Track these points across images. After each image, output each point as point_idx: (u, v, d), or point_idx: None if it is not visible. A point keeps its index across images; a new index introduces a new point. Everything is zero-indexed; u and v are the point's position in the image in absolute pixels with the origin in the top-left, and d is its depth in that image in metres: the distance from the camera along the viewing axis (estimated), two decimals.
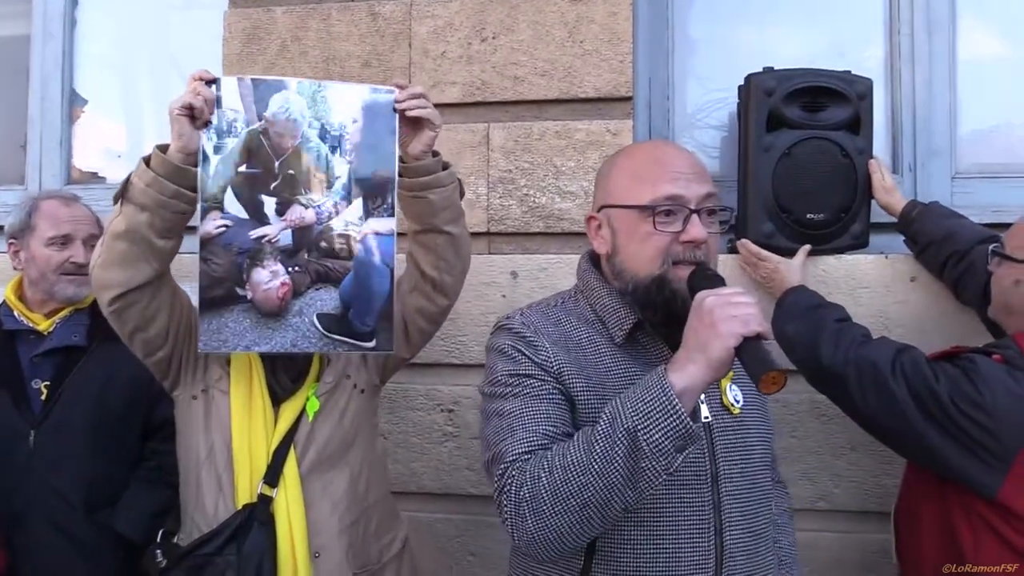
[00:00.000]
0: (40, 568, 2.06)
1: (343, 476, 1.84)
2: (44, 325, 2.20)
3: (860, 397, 1.83)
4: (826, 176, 2.20)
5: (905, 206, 2.18)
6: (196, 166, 1.65)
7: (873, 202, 2.26)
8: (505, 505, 1.32)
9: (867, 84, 2.23)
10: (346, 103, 1.70)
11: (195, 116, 1.63)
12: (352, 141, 1.70)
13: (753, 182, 2.23)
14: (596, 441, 1.25)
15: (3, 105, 2.99)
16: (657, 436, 1.20)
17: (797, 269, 2.17)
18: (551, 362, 1.43)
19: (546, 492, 1.27)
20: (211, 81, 1.66)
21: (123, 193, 1.67)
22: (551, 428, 1.36)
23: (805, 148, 2.20)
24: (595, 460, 1.24)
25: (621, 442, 1.22)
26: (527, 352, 1.44)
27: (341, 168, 1.70)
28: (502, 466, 1.35)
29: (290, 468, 1.79)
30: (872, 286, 2.26)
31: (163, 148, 1.66)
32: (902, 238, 2.23)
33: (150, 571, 1.84)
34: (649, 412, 1.21)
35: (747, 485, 1.45)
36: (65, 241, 2.19)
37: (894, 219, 2.22)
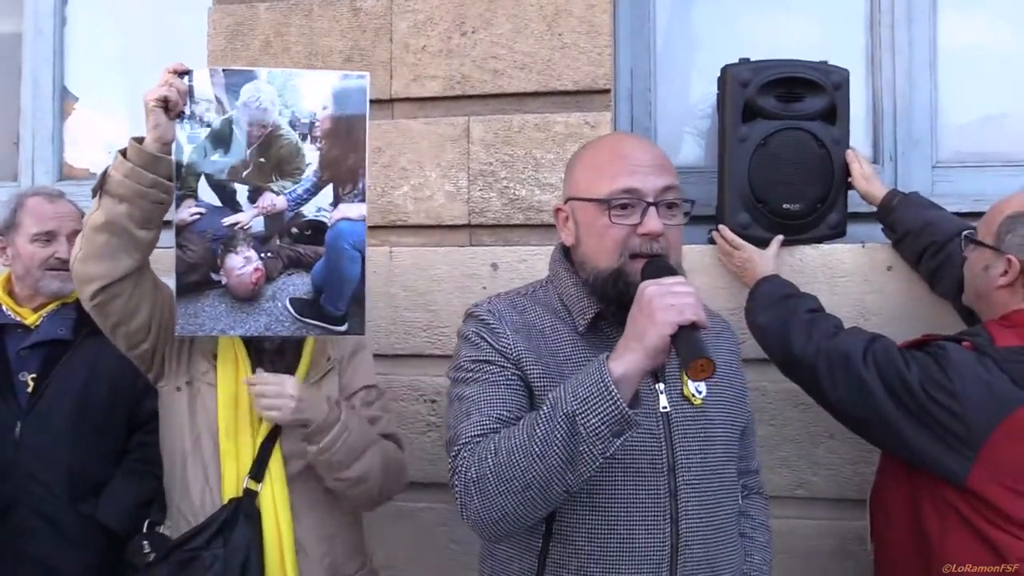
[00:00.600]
0: (26, 555, 2.10)
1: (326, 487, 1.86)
2: (31, 319, 2.24)
3: (831, 386, 1.84)
4: (802, 166, 2.21)
5: (885, 195, 2.18)
6: (171, 155, 1.69)
7: (851, 192, 2.27)
8: (455, 485, 1.37)
9: (843, 74, 2.23)
10: (316, 90, 1.73)
11: (169, 107, 1.67)
12: (322, 128, 1.74)
13: (729, 173, 2.24)
14: (538, 425, 1.29)
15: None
16: (594, 421, 1.23)
17: (771, 259, 2.18)
18: (511, 349, 1.47)
19: (491, 473, 1.31)
20: (184, 73, 1.70)
21: (101, 186, 1.70)
22: (505, 412, 1.40)
23: (780, 139, 2.21)
24: (536, 443, 1.27)
25: (560, 426, 1.25)
26: (489, 339, 1.49)
27: (311, 155, 1.74)
28: (455, 448, 1.40)
29: (276, 462, 1.82)
30: (849, 275, 2.27)
31: (139, 140, 1.69)
32: (880, 228, 2.24)
33: (135, 562, 1.86)
34: (587, 397, 1.24)
35: (707, 475, 1.47)
36: (49, 237, 2.23)
37: (872, 209, 2.23)
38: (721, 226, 2.26)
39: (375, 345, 2.40)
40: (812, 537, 2.27)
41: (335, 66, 2.49)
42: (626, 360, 1.26)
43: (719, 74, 2.30)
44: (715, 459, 1.49)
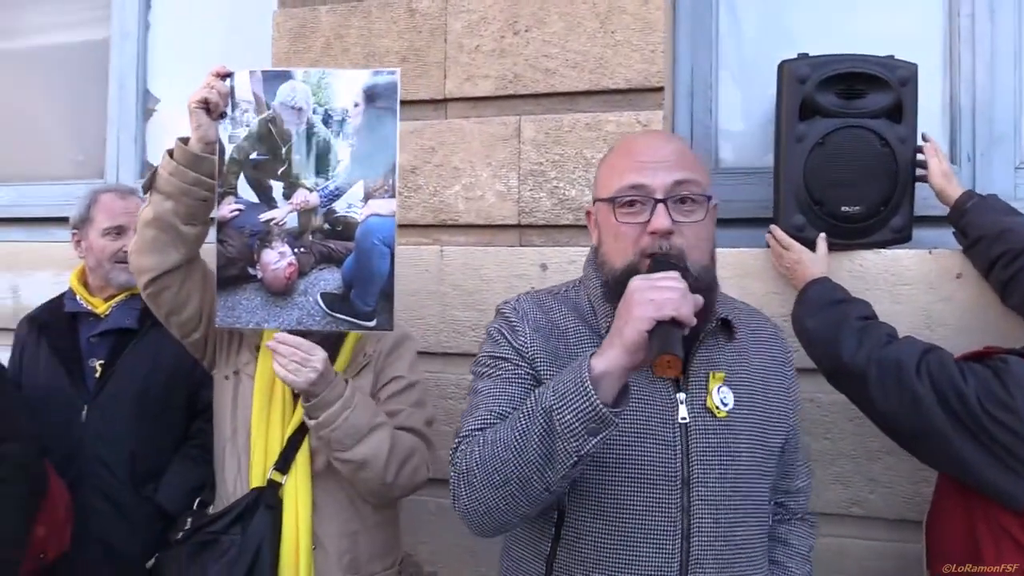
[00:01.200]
0: (88, 531, 2.22)
1: None
2: (102, 308, 2.38)
3: (881, 397, 1.74)
4: (863, 167, 2.09)
5: (960, 196, 2.04)
6: (214, 155, 1.77)
7: (919, 195, 2.13)
8: (451, 476, 1.37)
9: (911, 69, 2.10)
10: (348, 88, 1.76)
11: (210, 108, 1.74)
12: (354, 124, 1.76)
13: (785, 173, 2.15)
14: (520, 419, 1.27)
15: (87, 104, 3.23)
16: (569, 417, 1.20)
17: (821, 260, 2.07)
18: (527, 347, 1.46)
19: (477, 466, 1.31)
20: (226, 75, 1.77)
21: (151, 183, 1.80)
22: (509, 409, 1.38)
23: (840, 137, 2.09)
24: (516, 437, 1.26)
25: (538, 421, 1.24)
26: (508, 336, 1.48)
27: (343, 151, 1.77)
28: (456, 440, 1.40)
29: (303, 456, 1.85)
30: (914, 283, 2.13)
31: (184, 140, 1.78)
32: (950, 232, 2.10)
33: (170, 537, 1.96)
34: (565, 393, 1.21)
35: (726, 492, 1.40)
36: (119, 231, 2.36)
37: (941, 212, 2.09)
38: (773, 226, 2.17)
39: (424, 343, 2.42)
40: (867, 559, 2.15)
41: (390, 66, 2.50)
42: (607, 356, 1.22)
43: (776, 70, 2.21)
44: (738, 476, 1.41)
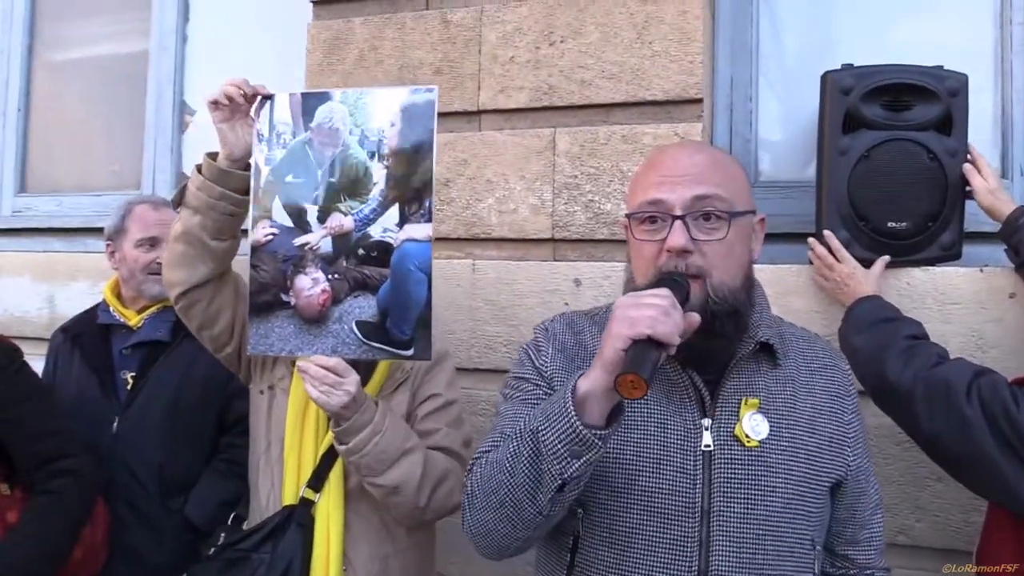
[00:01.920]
0: (117, 544, 2.21)
1: None
2: (135, 320, 2.38)
3: (927, 418, 1.67)
4: (910, 181, 2.01)
5: (1012, 212, 1.95)
6: (243, 170, 1.76)
7: (969, 210, 2.05)
8: (463, 497, 1.35)
9: (960, 79, 2.02)
10: (384, 107, 1.71)
11: (232, 110, 1.73)
12: (390, 145, 1.71)
13: (828, 188, 2.08)
14: (512, 441, 1.24)
15: (124, 115, 3.26)
16: (552, 438, 1.16)
17: (875, 279, 2.00)
18: (547, 368, 1.42)
19: (477, 487, 1.28)
20: (267, 97, 1.75)
21: (180, 199, 1.80)
22: None
23: (886, 150, 2.02)
24: (507, 459, 1.23)
25: (527, 443, 1.20)
26: (533, 356, 1.45)
27: (379, 173, 1.71)
28: (471, 462, 1.36)
29: (336, 474, 1.82)
30: (964, 302, 2.05)
31: (214, 155, 1.78)
32: (1003, 248, 2.01)
33: (202, 551, 1.94)
34: (551, 414, 1.18)
35: (753, 528, 1.29)
36: (153, 243, 2.35)
37: (993, 228, 2.00)
38: (827, 232, 2.07)
39: (455, 359, 2.38)
40: None
41: (425, 78, 2.50)
42: (590, 377, 1.17)
43: (819, 81, 2.14)
44: (770, 512, 1.30)
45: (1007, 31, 2.24)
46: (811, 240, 2.12)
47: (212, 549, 1.89)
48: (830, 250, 2.07)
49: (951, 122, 2.03)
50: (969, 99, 2.04)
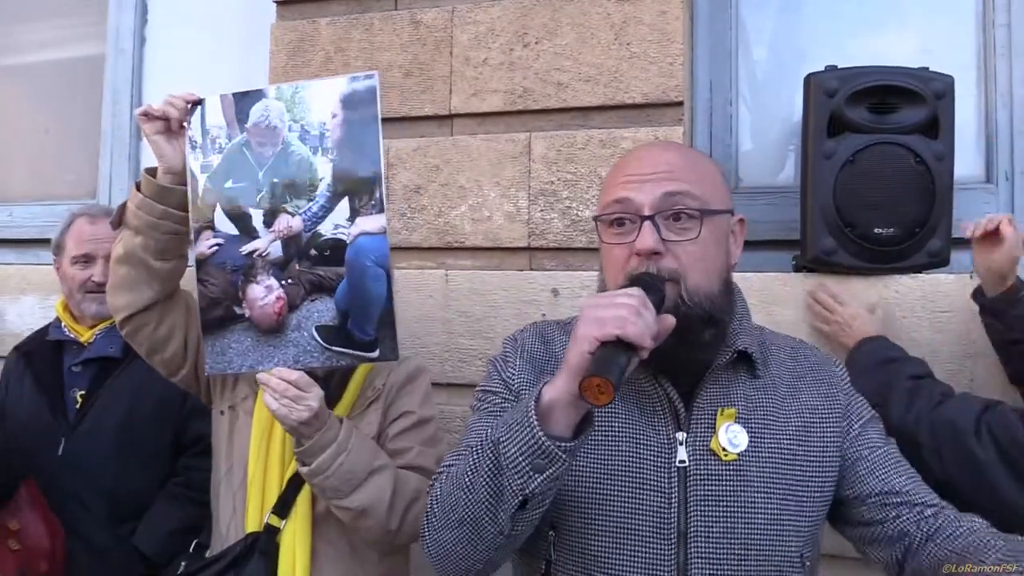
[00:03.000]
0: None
1: None
2: (86, 336, 2.25)
3: (937, 462, 1.58)
4: (897, 186, 1.95)
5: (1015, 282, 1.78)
6: (184, 185, 1.64)
7: (954, 216, 2.00)
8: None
9: (946, 82, 1.97)
10: (324, 99, 1.60)
11: (171, 128, 1.63)
12: (333, 137, 1.60)
13: (812, 193, 2.01)
14: (472, 454, 1.14)
15: (82, 121, 3.11)
16: (512, 450, 1.07)
17: (877, 321, 1.94)
18: (514, 380, 1.34)
19: (436, 504, 1.19)
20: (196, 103, 1.65)
21: (120, 219, 1.70)
22: None
23: (872, 154, 1.96)
24: (466, 474, 1.13)
25: (487, 456, 1.11)
26: (500, 368, 1.37)
27: (324, 168, 1.60)
28: (432, 477, 1.27)
29: (303, 499, 1.72)
30: (955, 310, 1.99)
31: (152, 171, 1.67)
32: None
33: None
34: (512, 424, 1.09)
35: (734, 547, 1.20)
36: (87, 260, 2.23)
37: None
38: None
39: (429, 373, 2.28)
40: None
41: (395, 80, 2.40)
42: (556, 384, 1.08)
43: (803, 83, 2.08)
44: (752, 530, 1.20)
45: (990, 34, 2.20)
46: (811, 292, 2.05)
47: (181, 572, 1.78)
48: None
49: (937, 125, 1.98)
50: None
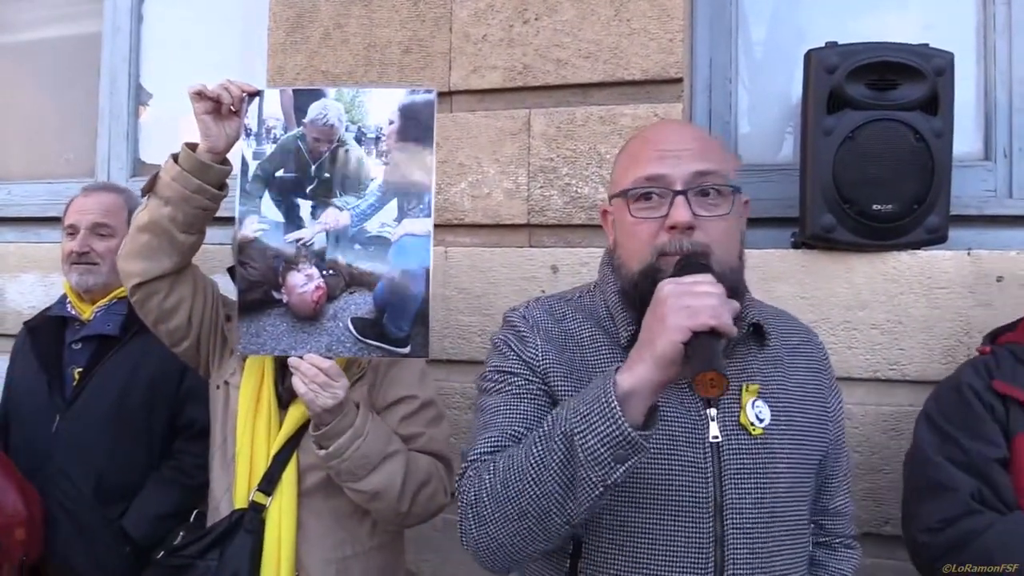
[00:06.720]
0: (50, 548, 2.10)
1: (349, 502, 1.74)
2: (87, 313, 2.25)
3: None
4: (896, 162, 1.95)
5: None
6: (223, 164, 1.70)
7: (953, 192, 2.00)
8: (458, 507, 1.24)
9: (947, 58, 1.97)
10: (383, 106, 1.69)
11: (222, 112, 1.67)
12: (388, 143, 1.68)
13: (812, 170, 2.02)
14: (536, 445, 1.13)
15: (78, 101, 3.10)
16: (593, 442, 1.06)
17: None
18: (538, 360, 1.32)
19: (488, 497, 1.17)
20: (255, 94, 1.69)
21: (151, 187, 1.73)
22: (522, 429, 1.25)
23: (871, 131, 1.96)
24: (532, 465, 1.12)
25: (558, 447, 1.10)
26: (517, 348, 1.35)
27: (376, 170, 1.68)
28: (463, 465, 1.27)
29: (289, 475, 1.74)
30: (951, 286, 2.00)
31: (192, 146, 1.71)
32: (989, 232, 1.94)
33: (153, 555, 1.83)
34: (588, 415, 1.08)
35: (764, 519, 1.25)
36: (72, 231, 2.26)
37: (978, 211, 1.96)
38: (806, 218, 2.00)
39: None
40: None
41: (393, 57, 2.40)
42: (635, 372, 1.08)
43: (803, 59, 2.07)
44: (776, 500, 1.27)
45: (990, 11, 2.19)
46: None
47: (161, 553, 1.80)
48: None
49: (937, 102, 1.97)
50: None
